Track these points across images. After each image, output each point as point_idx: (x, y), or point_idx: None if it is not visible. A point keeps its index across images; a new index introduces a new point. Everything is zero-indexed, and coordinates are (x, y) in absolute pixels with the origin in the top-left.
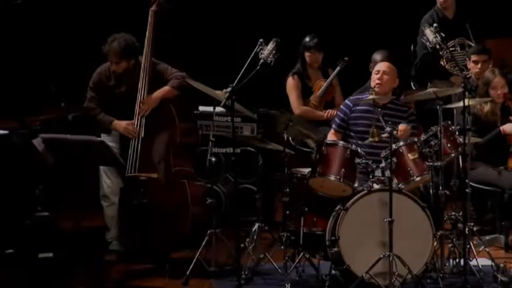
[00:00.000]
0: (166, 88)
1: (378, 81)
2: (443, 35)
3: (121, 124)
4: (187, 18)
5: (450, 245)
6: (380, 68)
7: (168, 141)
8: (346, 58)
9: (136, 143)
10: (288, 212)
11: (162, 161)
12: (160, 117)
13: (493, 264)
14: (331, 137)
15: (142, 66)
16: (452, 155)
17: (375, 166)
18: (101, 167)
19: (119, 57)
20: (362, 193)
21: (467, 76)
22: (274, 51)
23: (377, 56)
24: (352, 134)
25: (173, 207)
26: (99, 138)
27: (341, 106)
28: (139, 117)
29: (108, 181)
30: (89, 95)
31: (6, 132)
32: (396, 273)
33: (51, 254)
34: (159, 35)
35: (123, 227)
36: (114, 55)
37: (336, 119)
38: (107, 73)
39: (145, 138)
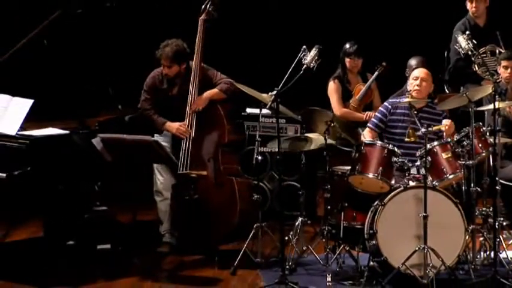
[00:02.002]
0: (215, 90)
1: (416, 88)
2: (475, 42)
3: (173, 126)
4: (239, 28)
5: (481, 239)
6: (419, 74)
7: (217, 141)
8: (384, 63)
9: (187, 143)
10: (329, 207)
11: (211, 159)
12: (210, 118)
13: None
14: (366, 134)
15: (192, 71)
16: (483, 154)
17: (410, 164)
18: (155, 165)
19: (170, 62)
20: (398, 190)
21: (498, 80)
22: (316, 57)
23: (412, 62)
24: (389, 136)
25: (222, 203)
26: (153, 138)
27: (380, 107)
28: (190, 118)
29: (161, 178)
30: (143, 97)
31: (67, 132)
32: (430, 265)
33: (109, 246)
34: (208, 42)
35: (176, 221)
36: (166, 59)
37: (374, 119)
38: (159, 77)
39: (196, 138)
